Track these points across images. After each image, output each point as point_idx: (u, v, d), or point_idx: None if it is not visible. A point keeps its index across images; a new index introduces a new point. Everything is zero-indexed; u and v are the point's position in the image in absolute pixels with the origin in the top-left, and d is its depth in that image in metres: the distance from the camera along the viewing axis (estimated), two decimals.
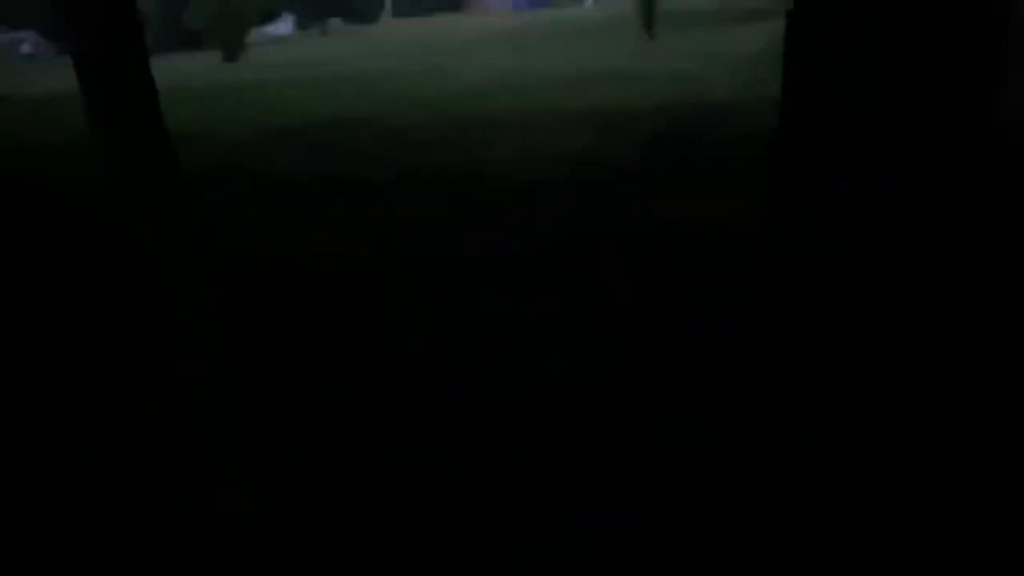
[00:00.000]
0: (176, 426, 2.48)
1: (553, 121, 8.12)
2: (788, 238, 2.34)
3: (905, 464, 2.02)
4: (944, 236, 2.09)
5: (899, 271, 2.08)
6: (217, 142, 8.41)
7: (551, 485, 2.21)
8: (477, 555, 2.02)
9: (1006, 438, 2.11)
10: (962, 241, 2.11)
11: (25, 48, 34.04)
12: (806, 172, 2.22)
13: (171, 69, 16.10)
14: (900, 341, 2.11)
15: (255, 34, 29.88)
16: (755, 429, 2.23)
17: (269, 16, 36.63)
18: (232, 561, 2.05)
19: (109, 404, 2.83)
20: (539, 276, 3.73)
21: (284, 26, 43.24)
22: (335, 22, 43.11)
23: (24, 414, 2.81)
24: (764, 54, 12.62)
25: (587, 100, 9.32)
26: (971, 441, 2.08)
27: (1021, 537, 1.93)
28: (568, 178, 5.70)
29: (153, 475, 2.39)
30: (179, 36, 26.95)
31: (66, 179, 6.31)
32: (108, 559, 2.09)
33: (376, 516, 2.16)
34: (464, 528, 2.09)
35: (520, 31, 27.10)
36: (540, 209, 4.91)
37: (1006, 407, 2.13)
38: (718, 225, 4.16)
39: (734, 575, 1.91)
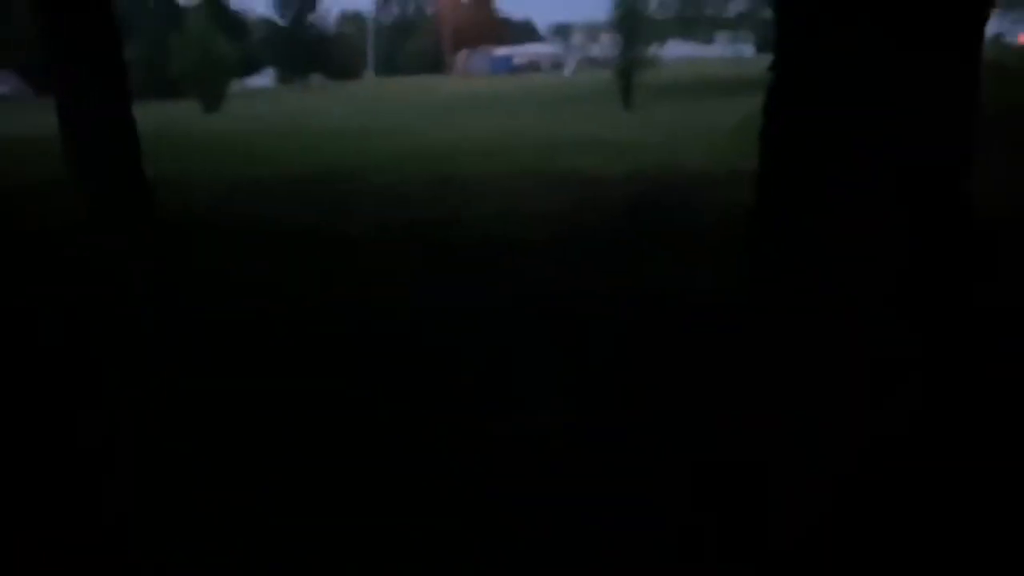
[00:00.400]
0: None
1: (529, 184, 8.25)
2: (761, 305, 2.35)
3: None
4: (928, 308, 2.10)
5: (884, 344, 2.09)
6: (189, 190, 8.39)
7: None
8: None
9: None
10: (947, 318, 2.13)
11: (2, 89, 34.16)
12: (783, 240, 2.23)
13: (150, 116, 16.15)
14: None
15: (236, 85, 30.16)
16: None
17: (251, 68, 37.09)
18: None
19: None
20: (511, 332, 3.72)
21: (265, 79, 43.78)
22: (316, 77, 43.76)
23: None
24: (737, 128, 12.98)
25: (562, 165, 9.49)
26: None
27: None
28: (540, 238, 5.78)
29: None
30: (160, 84, 27.14)
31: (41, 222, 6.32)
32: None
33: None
34: None
35: (499, 95, 27.62)
36: (514, 267, 4.95)
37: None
38: (687, 288, 4.19)
39: None
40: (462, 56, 52.34)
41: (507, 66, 50.13)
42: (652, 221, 6.20)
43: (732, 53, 34.14)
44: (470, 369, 3.25)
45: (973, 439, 2.25)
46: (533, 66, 51.07)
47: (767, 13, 27.72)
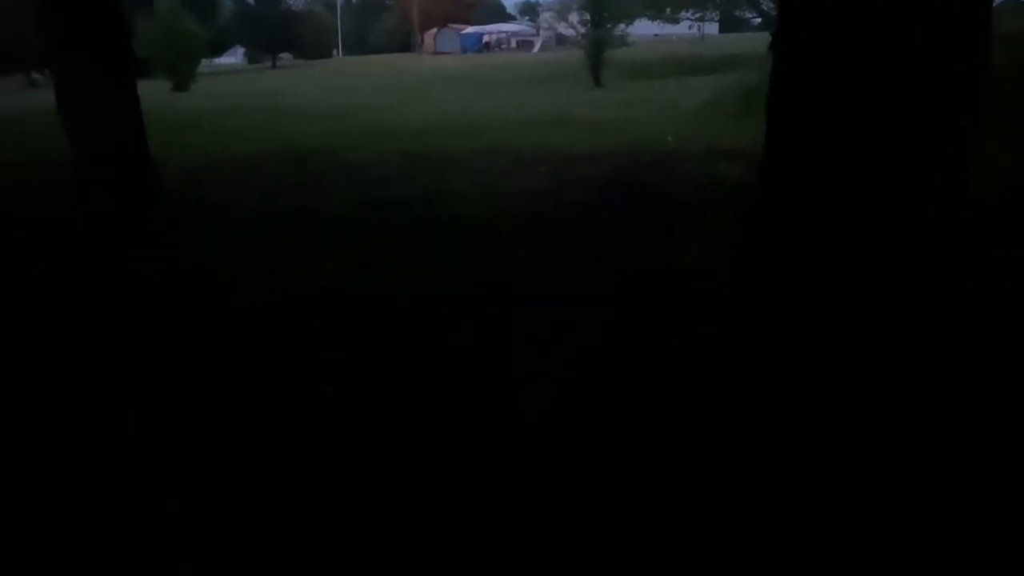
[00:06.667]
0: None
1: (505, 161, 8.33)
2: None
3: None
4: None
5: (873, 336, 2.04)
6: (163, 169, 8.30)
7: None
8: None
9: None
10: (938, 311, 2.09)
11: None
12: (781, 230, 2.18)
13: None
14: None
15: (205, 64, 29.78)
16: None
17: (220, 47, 36.56)
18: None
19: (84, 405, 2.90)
20: (495, 311, 3.75)
21: (234, 58, 43.19)
22: (286, 56, 43.23)
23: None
24: (705, 107, 13.23)
25: (536, 143, 9.57)
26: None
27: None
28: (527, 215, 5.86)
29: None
30: None
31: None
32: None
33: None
34: None
35: (470, 74, 27.57)
36: (498, 244, 5.03)
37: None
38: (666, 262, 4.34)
39: None
40: (431, 35, 51.98)
41: (477, 44, 49.92)
42: (635, 197, 6.29)
43: (697, 32, 34.43)
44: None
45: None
46: (502, 44, 50.92)
47: None
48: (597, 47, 22.44)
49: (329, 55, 47.56)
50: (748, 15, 31.50)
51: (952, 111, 1.97)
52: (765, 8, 27.72)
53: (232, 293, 4.24)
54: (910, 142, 1.96)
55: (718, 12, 32.31)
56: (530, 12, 59.69)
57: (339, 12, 54.80)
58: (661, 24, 30.57)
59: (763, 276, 2.24)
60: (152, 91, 22.56)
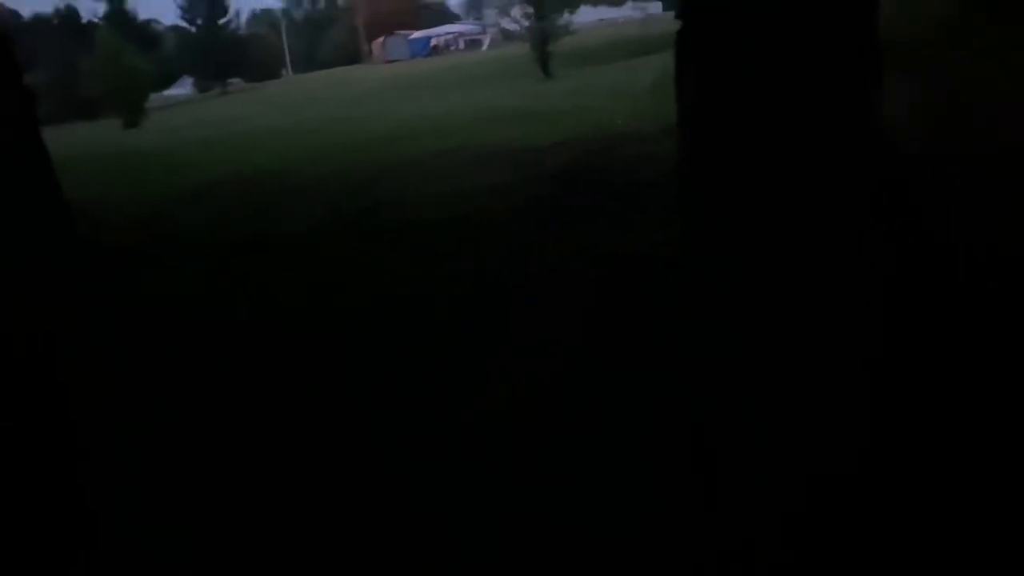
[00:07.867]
0: None
1: (466, 160, 8.36)
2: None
3: None
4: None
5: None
6: (117, 207, 8.18)
7: None
8: None
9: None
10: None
11: None
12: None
13: (68, 139, 15.82)
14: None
15: (155, 98, 29.46)
16: None
17: (167, 80, 36.16)
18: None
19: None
20: (464, 312, 3.82)
21: (184, 88, 42.72)
22: (236, 81, 42.80)
23: None
24: (654, 87, 13.33)
25: (493, 140, 9.62)
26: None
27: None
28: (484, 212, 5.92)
29: None
30: (76, 106, 26.36)
31: None
32: None
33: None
34: None
35: (422, 78, 27.53)
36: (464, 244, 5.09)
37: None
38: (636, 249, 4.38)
39: None
40: (379, 44, 51.72)
41: (425, 48, 49.74)
42: (591, 184, 6.37)
43: (641, 13, 34.61)
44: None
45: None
46: (451, 46, 50.81)
47: None
48: (543, 39, 22.49)
49: (279, 75, 47.23)
50: None
51: (860, 83, 1.95)
52: None
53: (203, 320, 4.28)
54: (818, 108, 1.94)
55: None
56: (475, 10, 59.50)
57: (283, 31, 54.39)
58: (605, 8, 30.71)
59: (700, 260, 2.20)
60: (102, 132, 22.34)
